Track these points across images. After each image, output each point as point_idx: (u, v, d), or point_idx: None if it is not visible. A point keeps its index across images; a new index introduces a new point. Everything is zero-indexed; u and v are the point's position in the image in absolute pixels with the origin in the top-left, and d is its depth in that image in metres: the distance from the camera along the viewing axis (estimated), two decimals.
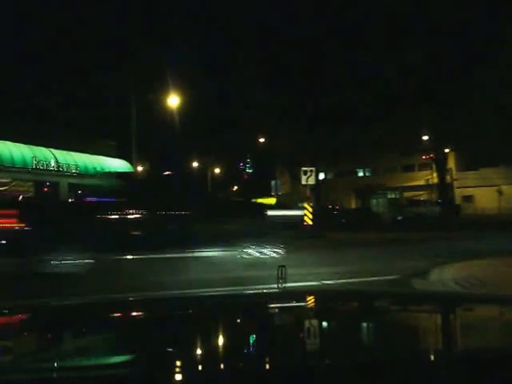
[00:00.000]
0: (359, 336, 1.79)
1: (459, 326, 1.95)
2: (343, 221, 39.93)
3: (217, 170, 71.35)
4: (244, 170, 62.82)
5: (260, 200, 71.04)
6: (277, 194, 31.34)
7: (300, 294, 2.97)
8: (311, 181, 25.63)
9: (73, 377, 1.26)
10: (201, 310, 2.31)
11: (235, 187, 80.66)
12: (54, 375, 1.27)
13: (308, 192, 26.24)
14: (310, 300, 2.58)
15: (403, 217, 40.39)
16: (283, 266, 2.94)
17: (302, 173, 25.68)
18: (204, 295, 3.26)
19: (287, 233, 26.46)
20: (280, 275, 2.87)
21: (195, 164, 69.51)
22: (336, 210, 45.00)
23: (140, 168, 71.96)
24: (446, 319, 2.12)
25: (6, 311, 2.23)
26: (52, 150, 23.23)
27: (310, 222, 25.39)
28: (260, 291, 4.32)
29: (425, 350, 1.56)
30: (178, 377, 1.23)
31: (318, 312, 2.27)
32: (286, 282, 2.91)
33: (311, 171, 25.67)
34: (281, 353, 1.47)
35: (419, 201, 45.39)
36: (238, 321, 2.13)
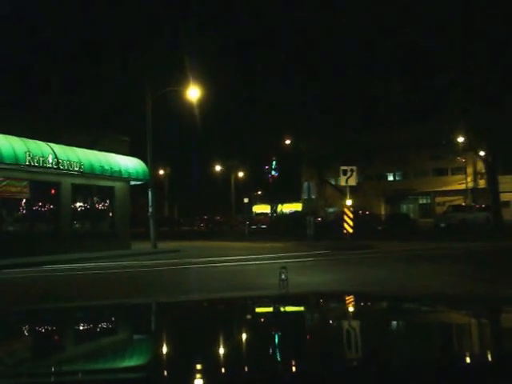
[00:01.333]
0: (365, 339, 1.71)
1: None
2: (379, 228, 35.87)
3: (240, 174, 67.65)
4: (269, 172, 58.98)
5: (286, 205, 67.67)
6: (310, 198, 27.29)
7: (303, 297, 2.82)
8: (352, 181, 21.58)
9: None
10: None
11: (259, 192, 76.88)
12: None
13: (348, 195, 22.15)
14: (314, 302, 2.53)
15: (446, 224, 35.95)
16: (284, 267, 2.86)
17: (341, 172, 21.65)
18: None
19: (323, 244, 22.65)
20: (282, 277, 2.79)
21: (218, 167, 65.94)
22: (367, 215, 40.91)
23: (161, 172, 69.04)
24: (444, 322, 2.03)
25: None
26: (50, 144, 19.48)
27: (351, 230, 21.43)
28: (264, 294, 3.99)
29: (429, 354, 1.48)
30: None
31: (322, 314, 2.23)
32: (287, 285, 2.79)
33: (351, 170, 21.61)
34: (281, 355, 1.44)
35: (464, 206, 40.86)
36: (240, 323, 2.03)
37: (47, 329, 2.05)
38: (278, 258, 17.97)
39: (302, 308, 2.47)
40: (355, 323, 1.99)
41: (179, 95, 27.76)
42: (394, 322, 2.02)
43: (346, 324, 1.98)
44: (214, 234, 45.31)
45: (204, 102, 30.69)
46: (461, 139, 52.88)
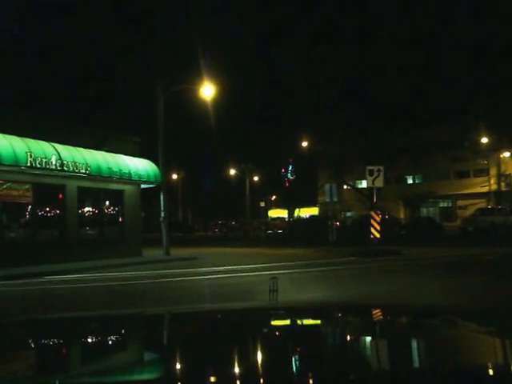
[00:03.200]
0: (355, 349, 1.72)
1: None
2: (402, 232, 34.14)
3: (255, 178, 66.09)
4: (286, 176, 57.53)
5: (303, 210, 66.03)
6: (332, 201, 25.70)
7: (293, 308, 2.76)
8: (379, 182, 19.96)
9: None
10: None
11: (273, 196, 75.46)
12: None
13: (375, 197, 20.53)
14: (304, 313, 2.50)
15: (474, 227, 34.08)
16: (275, 277, 2.76)
17: (367, 172, 20.04)
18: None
19: (349, 250, 21.06)
20: (272, 288, 2.72)
21: (232, 171, 64.41)
22: (387, 219, 39.12)
23: (174, 176, 67.77)
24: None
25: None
26: (54, 144, 18.06)
27: (378, 235, 19.80)
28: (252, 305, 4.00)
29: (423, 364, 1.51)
30: None
31: (314, 325, 2.24)
32: (277, 295, 2.71)
33: (379, 170, 20.00)
34: (272, 368, 1.43)
35: (492, 209, 38.93)
36: (233, 335, 1.98)
37: (48, 339, 2.01)
38: (301, 266, 16.39)
39: (288, 321, 2.40)
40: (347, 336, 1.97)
41: (193, 96, 26.41)
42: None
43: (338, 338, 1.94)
44: (228, 239, 43.83)
45: (218, 104, 29.40)
46: (484, 140, 51.15)
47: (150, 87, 25.01)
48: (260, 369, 1.44)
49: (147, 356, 1.74)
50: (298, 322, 2.38)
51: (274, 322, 2.34)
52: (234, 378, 1.33)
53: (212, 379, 1.31)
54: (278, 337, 2.00)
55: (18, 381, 1.40)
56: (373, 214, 20.05)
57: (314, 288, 11.37)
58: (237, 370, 1.43)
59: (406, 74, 41.32)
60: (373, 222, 19.89)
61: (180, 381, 1.35)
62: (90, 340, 2.07)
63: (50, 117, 22.02)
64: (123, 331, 2.22)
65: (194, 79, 25.26)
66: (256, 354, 1.66)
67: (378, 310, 2.49)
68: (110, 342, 2.00)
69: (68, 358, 1.77)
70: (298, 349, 1.73)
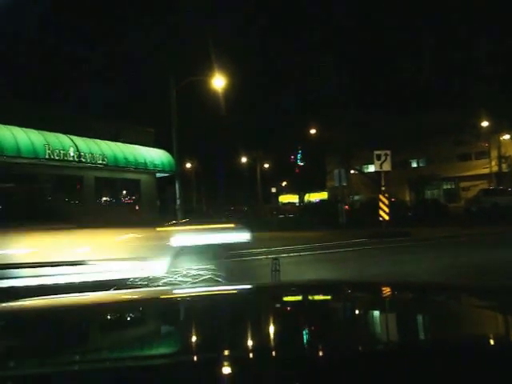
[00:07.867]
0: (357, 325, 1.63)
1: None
2: (409, 214, 33.60)
3: (266, 165, 65.59)
4: (295, 162, 57.05)
5: (312, 194, 65.57)
6: (341, 185, 25.26)
7: (294, 286, 2.60)
8: (386, 166, 19.49)
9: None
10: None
11: (284, 182, 75.06)
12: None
13: (383, 181, 20.05)
14: (312, 289, 2.36)
15: (478, 208, 33.45)
16: (277, 258, 2.88)
17: (375, 157, 19.56)
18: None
19: (359, 232, 20.66)
20: (274, 268, 2.77)
21: (244, 159, 63.95)
22: (393, 202, 38.57)
23: (188, 165, 67.49)
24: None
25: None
26: (71, 136, 17.73)
27: (387, 217, 19.39)
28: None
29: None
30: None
31: (314, 302, 2.15)
32: (279, 275, 2.74)
33: (386, 155, 19.51)
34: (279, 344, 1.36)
35: (495, 189, 38.21)
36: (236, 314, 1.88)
37: (63, 318, 1.91)
38: (314, 248, 16.02)
39: (290, 297, 2.26)
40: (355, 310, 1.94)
41: (205, 85, 25.93)
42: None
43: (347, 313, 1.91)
44: (242, 224, 43.43)
45: (230, 93, 28.90)
46: (485, 123, 50.33)
47: (164, 78, 24.59)
48: (265, 342, 1.37)
49: (160, 332, 1.70)
50: (309, 297, 2.26)
51: (286, 298, 2.25)
52: (242, 350, 1.27)
53: (222, 352, 1.22)
54: (286, 312, 1.90)
55: (34, 358, 1.32)
56: (381, 197, 19.59)
57: (329, 269, 11.01)
58: (243, 343, 1.38)
59: (411, 59, 40.51)
60: (381, 204, 19.45)
61: (191, 354, 1.29)
62: (107, 317, 2.01)
63: (66, 110, 21.70)
64: (136, 309, 2.16)
65: (207, 70, 24.78)
66: (259, 328, 1.60)
67: (387, 287, 2.35)
68: (127, 319, 1.95)
69: (86, 335, 1.71)
70: (305, 323, 1.64)
